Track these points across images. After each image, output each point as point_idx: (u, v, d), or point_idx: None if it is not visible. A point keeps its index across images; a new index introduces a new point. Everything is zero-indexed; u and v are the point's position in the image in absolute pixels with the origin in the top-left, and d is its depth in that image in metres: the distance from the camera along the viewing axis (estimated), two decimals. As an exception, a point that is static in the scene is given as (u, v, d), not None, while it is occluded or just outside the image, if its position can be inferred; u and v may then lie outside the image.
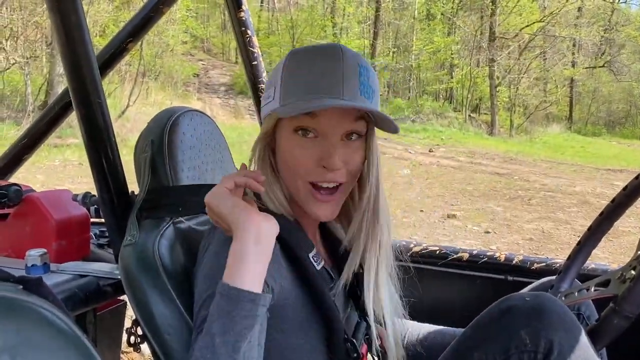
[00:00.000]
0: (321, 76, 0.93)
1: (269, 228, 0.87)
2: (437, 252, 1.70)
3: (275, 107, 0.96)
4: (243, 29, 1.71)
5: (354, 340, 1.00)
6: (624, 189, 1.25)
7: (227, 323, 0.78)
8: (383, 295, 1.10)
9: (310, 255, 1.00)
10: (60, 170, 8.95)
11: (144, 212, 1.15)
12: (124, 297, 1.38)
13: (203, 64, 23.01)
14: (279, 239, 0.93)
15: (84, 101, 1.17)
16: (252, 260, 0.82)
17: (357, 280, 1.09)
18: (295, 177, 0.97)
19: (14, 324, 0.71)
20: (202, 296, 0.86)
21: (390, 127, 0.97)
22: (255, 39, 1.74)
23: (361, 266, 1.10)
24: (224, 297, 0.79)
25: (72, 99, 1.19)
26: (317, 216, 0.99)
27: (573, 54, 23.43)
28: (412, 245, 1.74)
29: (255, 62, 1.76)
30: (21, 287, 0.81)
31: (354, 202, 1.08)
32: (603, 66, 23.15)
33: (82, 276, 1.24)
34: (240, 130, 13.61)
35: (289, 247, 0.94)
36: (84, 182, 7.99)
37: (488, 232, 6.25)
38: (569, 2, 20.37)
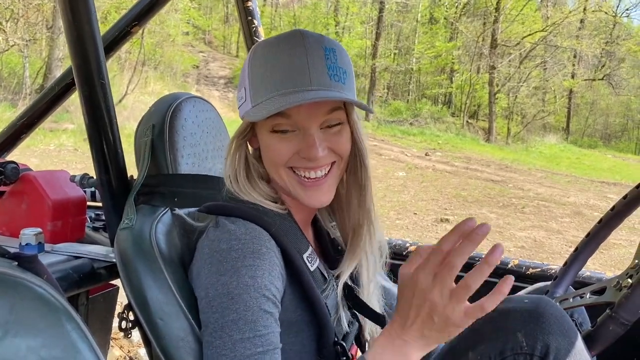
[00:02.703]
0: (286, 69, 0.89)
1: None
2: (433, 252, 1.70)
3: (248, 109, 0.94)
4: (249, 18, 1.70)
5: (344, 344, 0.99)
6: (624, 197, 1.25)
7: None
8: (375, 294, 1.10)
9: (305, 255, 0.98)
10: (54, 155, 8.91)
11: (141, 197, 1.14)
12: (117, 282, 1.37)
13: (203, 56, 22.95)
14: (276, 240, 0.91)
15: (87, 81, 1.16)
16: None
17: (350, 279, 1.09)
18: (277, 167, 0.95)
19: (7, 300, 0.70)
20: (225, 318, 0.83)
21: (367, 107, 0.97)
22: (261, 30, 1.73)
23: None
24: None
25: (75, 78, 1.17)
26: (311, 203, 0.96)
27: (573, 65, 23.51)
28: (407, 245, 1.74)
29: (261, 53, 1.75)
30: (16, 263, 0.80)
31: (345, 190, 1.06)
32: (602, 79, 23.25)
33: (76, 258, 1.23)
34: (237, 123, 13.52)
35: (284, 249, 0.92)
36: (78, 167, 7.96)
37: (480, 238, 6.26)
38: (572, 14, 20.45)
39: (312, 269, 0.98)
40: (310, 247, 1.01)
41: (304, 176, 0.95)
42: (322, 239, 1.14)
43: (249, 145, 1.02)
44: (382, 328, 1.09)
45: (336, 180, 0.99)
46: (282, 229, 0.95)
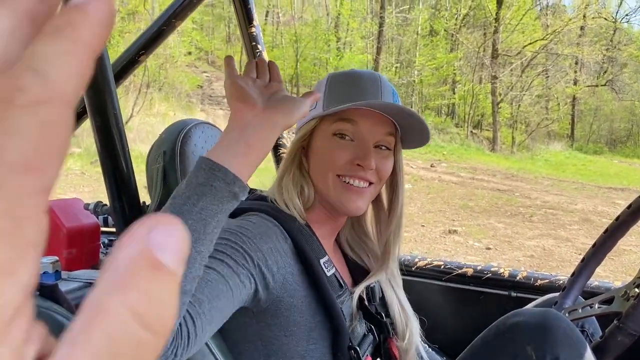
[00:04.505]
0: (363, 90, 1.04)
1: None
2: (442, 267, 1.71)
3: (319, 112, 1.04)
4: (254, 43, 1.74)
5: (358, 349, 1.01)
6: (628, 207, 1.27)
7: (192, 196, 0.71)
8: (409, 313, 1.13)
9: (322, 261, 1.02)
10: (62, 179, 8.95)
11: (155, 222, 1.17)
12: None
13: (207, 76, 23.10)
14: (292, 239, 0.97)
15: (99, 111, 1.19)
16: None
17: (367, 292, 1.11)
18: (326, 171, 1.03)
19: (31, 329, 0.72)
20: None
21: (417, 141, 1.10)
22: (265, 54, 1.77)
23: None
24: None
25: (87, 109, 1.21)
26: (349, 209, 1.03)
27: (575, 72, 23.51)
28: (416, 260, 1.75)
29: (265, 77, 1.78)
30: (37, 292, 0.83)
31: (382, 215, 1.15)
32: (605, 85, 23.22)
33: (92, 284, 1.25)
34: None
35: (301, 249, 0.97)
36: (86, 191, 8.00)
37: (489, 249, 6.24)
38: (572, 21, 20.53)
39: (328, 274, 1.02)
40: (327, 256, 1.05)
41: (349, 182, 1.03)
42: (349, 262, 1.19)
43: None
44: (387, 336, 1.11)
45: (371, 199, 1.08)
46: (301, 232, 1.00)
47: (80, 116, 1.72)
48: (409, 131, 1.08)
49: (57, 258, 1.25)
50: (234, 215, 1.00)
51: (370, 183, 1.04)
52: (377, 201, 1.16)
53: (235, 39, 25.77)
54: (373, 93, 1.04)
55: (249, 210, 1.00)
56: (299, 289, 0.96)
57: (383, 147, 1.05)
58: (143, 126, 12.85)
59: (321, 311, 0.98)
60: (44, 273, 1.22)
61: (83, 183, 8.67)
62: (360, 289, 1.07)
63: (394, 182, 1.12)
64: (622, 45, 22.91)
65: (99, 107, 1.19)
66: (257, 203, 1.03)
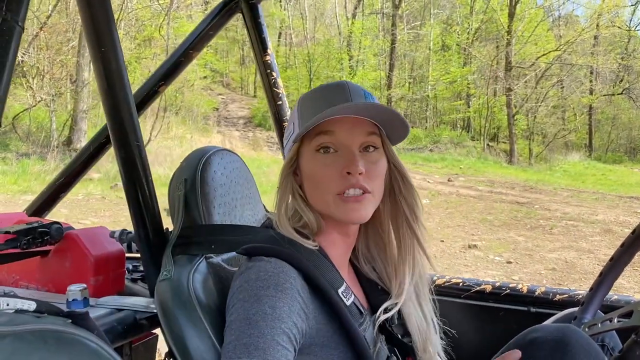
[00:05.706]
0: (332, 100, 1.03)
1: None
2: (460, 284, 1.72)
3: (297, 134, 1.04)
4: (268, 71, 1.79)
5: None
6: (644, 221, 1.28)
7: None
8: (432, 330, 1.12)
9: (340, 290, 1.01)
10: (83, 204, 9.09)
11: (178, 248, 1.20)
12: (157, 330, 1.42)
13: (222, 98, 23.42)
14: (308, 277, 0.95)
15: (123, 144, 1.24)
16: None
17: (387, 313, 1.12)
18: (323, 193, 1.02)
19: (64, 355, 0.76)
20: (240, 341, 0.85)
21: (401, 134, 1.07)
22: (279, 80, 1.82)
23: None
24: None
25: (112, 142, 1.26)
26: (350, 219, 1.02)
27: (590, 81, 23.37)
28: (435, 278, 1.76)
29: (280, 102, 1.84)
30: (70, 320, 0.87)
31: (386, 222, 1.13)
32: (621, 93, 22.99)
33: (119, 310, 1.29)
34: (258, 162, 13.78)
35: (319, 287, 0.96)
36: (107, 215, 8.11)
37: (510, 262, 6.19)
38: (585, 31, 20.46)
39: (347, 303, 1.01)
40: (345, 284, 1.05)
41: (347, 194, 1.00)
42: (363, 280, 1.18)
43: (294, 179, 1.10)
44: (409, 354, 1.11)
45: (374, 204, 1.05)
46: (315, 265, 0.99)
47: (103, 146, 1.78)
48: (390, 126, 1.06)
49: (85, 285, 1.29)
50: (252, 253, 1.01)
51: (366, 191, 1.01)
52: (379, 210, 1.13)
53: (249, 61, 26.10)
54: (342, 100, 1.03)
55: (261, 253, 0.99)
56: (323, 327, 0.96)
57: (371, 149, 1.03)
58: (161, 149, 13.03)
59: (345, 342, 0.97)
60: (73, 300, 1.26)
61: (104, 207, 8.78)
62: (383, 317, 1.07)
63: (393, 180, 1.09)
64: (638, 53, 22.72)
65: (122, 140, 1.24)
66: (270, 248, 1.00)
